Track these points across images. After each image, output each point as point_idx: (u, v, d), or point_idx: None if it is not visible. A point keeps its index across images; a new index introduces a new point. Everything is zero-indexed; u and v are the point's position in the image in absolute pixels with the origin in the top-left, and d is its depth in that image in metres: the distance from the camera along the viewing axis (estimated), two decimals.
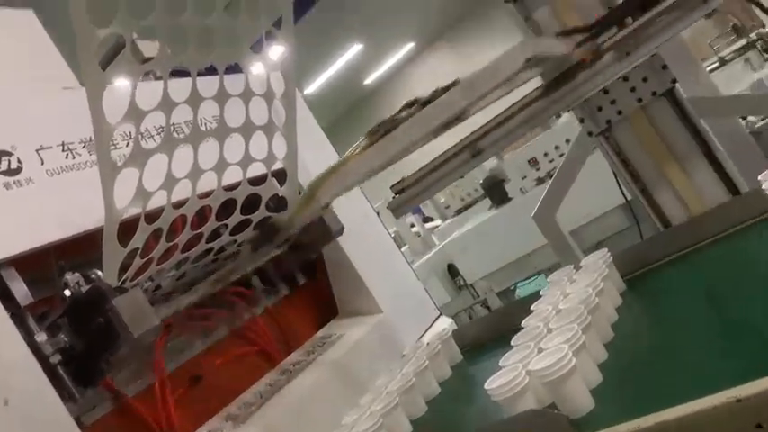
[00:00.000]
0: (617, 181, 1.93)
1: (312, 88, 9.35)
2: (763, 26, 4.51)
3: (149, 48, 1.57)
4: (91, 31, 1.00)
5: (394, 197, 1.87)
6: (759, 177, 1.13)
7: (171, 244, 1.27)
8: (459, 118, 1.15)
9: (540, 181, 3.89)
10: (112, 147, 1.23)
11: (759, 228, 1.33)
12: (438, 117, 1.09)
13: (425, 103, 1.11)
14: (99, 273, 1.24)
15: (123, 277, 1.19)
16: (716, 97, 1.88)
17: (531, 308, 1.30)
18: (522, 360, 1.01)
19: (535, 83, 1.52)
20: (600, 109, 1.71)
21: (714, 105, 1.78)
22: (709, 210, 1.46)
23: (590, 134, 1.74)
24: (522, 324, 1.24)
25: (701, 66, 2.08)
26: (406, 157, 1.31)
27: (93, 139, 1.38)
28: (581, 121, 1.76)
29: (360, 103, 11.18)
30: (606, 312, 1.18)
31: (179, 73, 1.28)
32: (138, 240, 1.17)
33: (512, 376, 0.95)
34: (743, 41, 4.75)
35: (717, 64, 4.84)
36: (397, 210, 1.82)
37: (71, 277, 1.20)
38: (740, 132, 1.94)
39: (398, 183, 1.83)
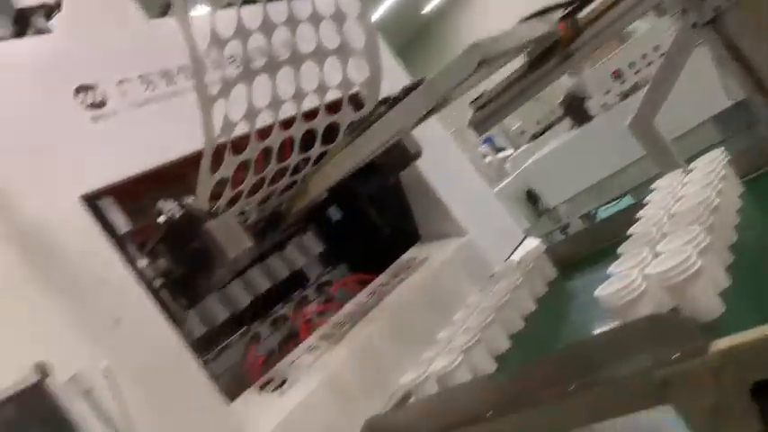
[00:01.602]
0: (722, 81, 1.75)
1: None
2: None
3: None
4: None
5: (474, 113, 1.77)
6: None
7: (258, 177, 1.25)
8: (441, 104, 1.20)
9: (625, 96, 3.64)
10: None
11: None
12: (406, 118, 1.17)
13: (394, 102, 1.18)
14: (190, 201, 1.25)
15: (214, 207, 1.19)
16: None
17: (637, 216, 1.21)
18: (638, 265, 0.93)
19: None
20: None
21: None
22: None
23: (694, 26, 1.56)
24: (629, 232, 1.15)
25: None
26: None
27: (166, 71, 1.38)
28: (683, 11, 1.57)
29: (419, 34, 10.78)
30: (728, 213, 1.07)
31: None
32: (226, 169, 1.16)
33: (628, 281, 0.88)
34: None
35: None
36: (479, 126, 1.72)
37: (164, 204, 1.21)
38: None
39: (479, 98, 1.72)
